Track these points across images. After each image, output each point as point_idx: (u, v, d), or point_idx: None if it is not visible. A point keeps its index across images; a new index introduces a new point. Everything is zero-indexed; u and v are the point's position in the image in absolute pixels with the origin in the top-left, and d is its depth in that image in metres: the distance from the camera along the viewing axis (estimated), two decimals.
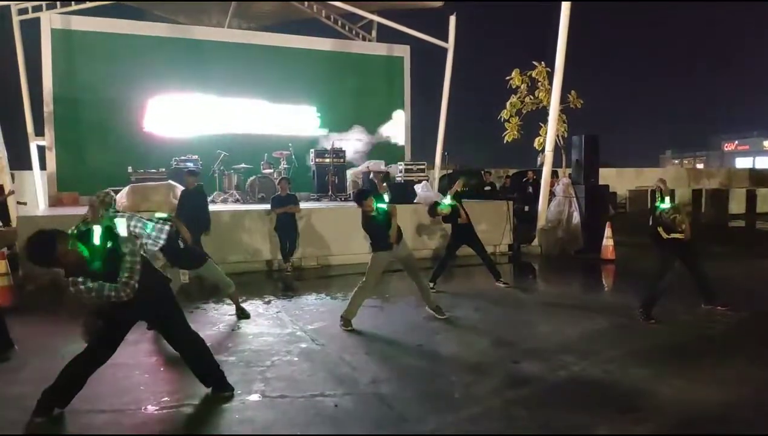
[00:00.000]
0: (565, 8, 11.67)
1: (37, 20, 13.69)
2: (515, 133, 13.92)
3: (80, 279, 3.71)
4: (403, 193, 12.05)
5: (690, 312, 6.73)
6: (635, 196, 21.82)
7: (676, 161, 71.11)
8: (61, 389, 3.96)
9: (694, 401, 4.26)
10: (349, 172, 14.85)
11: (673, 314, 6.57)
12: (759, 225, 16.41)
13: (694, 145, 74.11)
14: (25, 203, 9.97)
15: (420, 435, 3.78)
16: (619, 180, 22.44)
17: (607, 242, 10.95)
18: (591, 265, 10.76)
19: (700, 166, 59.10)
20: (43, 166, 14.25)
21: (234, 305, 6.90)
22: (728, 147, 67.84)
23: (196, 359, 4.39)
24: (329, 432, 3.79)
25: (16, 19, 13.65)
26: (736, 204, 17.68)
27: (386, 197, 7.09)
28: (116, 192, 10.47)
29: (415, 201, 11.80)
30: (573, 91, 13.33)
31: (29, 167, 14.61)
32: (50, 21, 13.65)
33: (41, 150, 14.17)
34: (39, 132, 14.00)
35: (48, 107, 13.63)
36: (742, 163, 56.70)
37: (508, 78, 13.76)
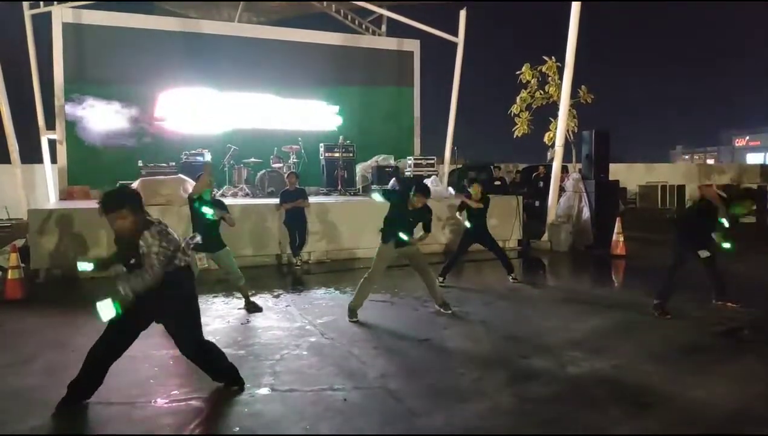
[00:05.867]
0: (576, 3, 11.60)
1: (49, 14, 13.73)
2: (525, 128, 13.88)
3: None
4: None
5: (701, 308, 6.68)
6: (645, 191, 21.68)
7: (687, 157, 70.59)
8: (84, 380, 3.98)
9: (705, 397, 4.23)
10: (359, 167, 14.83)
11: (684, 310, 6.53)
12: None
13: (704, 140, 73.56)
14: None
15: (428, 431, 3.78)
16: (629, 175, 22.26)
17: (617, 237, 10.92)
18: (601, 260, 10.71)
19: (710, 161, 58.63)
20: (54, 160, 14.33)
21: (243, 298, 6.94)
22: (739, 142, 67.19)
23: (205, 365, 4.35)
24: (338, 426, 3.80)
25: (27, 13, 13.72)
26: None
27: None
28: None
29: None
30: (583, 86, 13.27)
31: (40, 161, 14.68)
32: (61, 15, 13.71)
33: (52, 144, 14.25)
34: (50, 126, 14.08)
35: (59, 101, 13.68)
36: (753, 158, 56.12)
37: (518, 73, 13.71)
